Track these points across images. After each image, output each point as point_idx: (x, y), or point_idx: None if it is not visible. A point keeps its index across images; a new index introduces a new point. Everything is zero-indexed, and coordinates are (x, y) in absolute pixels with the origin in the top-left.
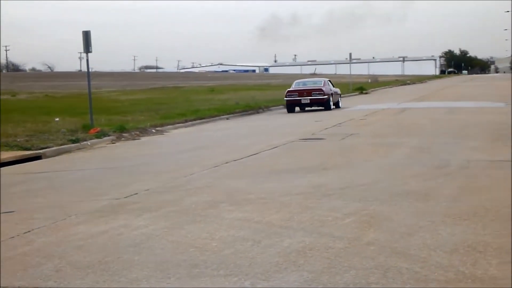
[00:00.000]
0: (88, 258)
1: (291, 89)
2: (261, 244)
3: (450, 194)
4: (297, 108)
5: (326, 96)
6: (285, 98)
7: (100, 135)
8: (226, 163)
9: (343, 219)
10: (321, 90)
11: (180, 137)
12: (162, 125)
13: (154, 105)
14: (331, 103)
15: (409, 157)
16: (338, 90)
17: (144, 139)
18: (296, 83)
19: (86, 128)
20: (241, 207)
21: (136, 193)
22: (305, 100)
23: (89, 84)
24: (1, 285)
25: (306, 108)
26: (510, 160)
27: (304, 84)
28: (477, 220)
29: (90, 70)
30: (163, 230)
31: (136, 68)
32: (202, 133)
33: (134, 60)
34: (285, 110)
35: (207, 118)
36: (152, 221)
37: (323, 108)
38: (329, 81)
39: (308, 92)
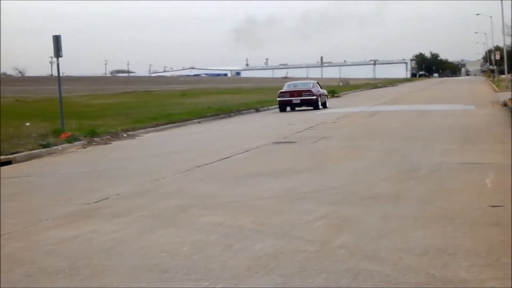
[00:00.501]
0: (59, 263)
1: (283, 90)
2: (232, 248)
3: (421, 197)
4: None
5: (315, 97)
6: (277, 99)
7: (71, 139)
8: (198, 167)
9: (314, 222)
10: (310, 91)
11: (152, 141)
12: (133, 130)
13: (126, 110)
14: (319, 103)
15: (380, 160)
16: (325, 92)
17: (115, 143)
18: (287, 85)
19: (57, 132)
20: (212, 211)
21: (107, 198)
22: (296, 100)
23: (59, 89)
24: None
25: (296, 108)
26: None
27: (295, 85)
28: (447, 223)
29: (60, 75)
30: (134, 235)
31: (107, 72)
32: (173, 137)
33: (106, 64)
34: (256, 112)
35: (179, 122)
36: (123, 226)
37: (312, 108)
38: (317, 83)
39: (299, 93)
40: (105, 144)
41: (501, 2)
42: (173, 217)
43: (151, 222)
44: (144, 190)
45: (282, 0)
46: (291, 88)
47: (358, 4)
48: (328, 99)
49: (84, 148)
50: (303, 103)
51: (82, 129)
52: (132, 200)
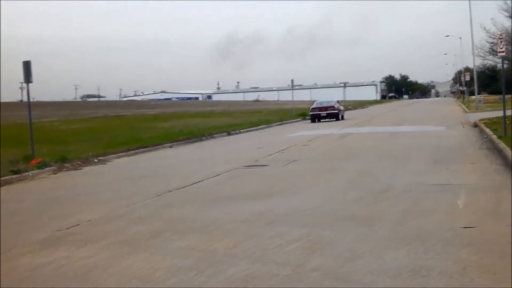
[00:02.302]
0: None
1: (313, 107)
2: (205, 273)
3: (393, 218)
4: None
5: (337, 111)
6: (310, 113)
7: (42, 165)
8: (169, 191)
9: (287, 245)
10: (333, 107)
11: (123, 166)
12: (104, 155)
13: (96, 134)
14: (340, 116)
15: (352, 182)
16: (342, 108)
17: (86, 169)
18: (316, 103)
19: (27, 158)
20: (185, 236)
21: (78, 224)
22: (323, 113)
23: (29, 114)
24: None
25: (321, 120)
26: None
27: (321, 103)
28: (419, 244)
29: (31, 100)
30: (106, 261)
31: (78, 97)
32: (145, 161)
33: (76, 89)
34: (228, 136)
35: (150, 147)
36: (95, 252)
37: (334, 119)
38: (337, 101)
39: (325, 109)
40: (76, 169)
41: (471, 24)
42: (146, 243)
43: (123, 248)
44: (116, 216)
45: (251, 27)
46: (319, 105)
47: (328, 28)
48: (299, 122)
49: (55, 174)
50: (328, 116)
51: (53, 154)
52: (104, 226)
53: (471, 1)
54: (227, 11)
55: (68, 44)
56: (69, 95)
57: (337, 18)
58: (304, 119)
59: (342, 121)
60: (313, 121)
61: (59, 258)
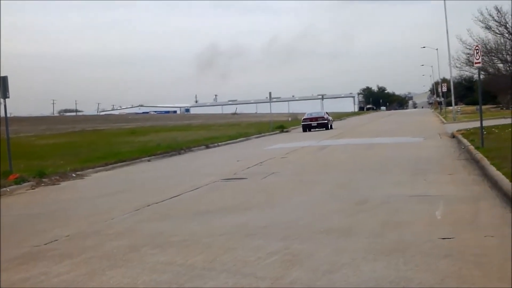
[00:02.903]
0: None
1: (305, 117)
2: (184, 287)
3: (372, 230)
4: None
5: (326, 121)
6: (302, 123)
7: (19, 181)
8: (148, 206)
9: (266, 258)
10: (323, 117)
11: (101, 181)
12: (82, 169)
13: (74, 149)
14: (329, 125)
15: (330, 194)
16: (331, 118)
17: (64, 184)
18: (307, 114)
19: (5, 174)
20: (164, 250)
21: (56, 240)
22: (314, 123)
23: (7, 130)
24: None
25: (312, 130)
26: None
27: (311, 114)
28: (398, 255)
29: (8, 116)
30: (84, 276)
31: (55, 112)
32: (123, 176)
33: (53, 104)
34: (206, 149)
35: (128, 161)
36: (73, 268)
37: (324, 128)
38: (326, 112)
39: (316, 119)
40: (54, 184)
41: (447, 35)
42: (124, 257)
43: (101, 263)
44: (94, 231)
45: (230, 41)
46: (310, 116)
47: (307, 41)
48: (277, 134)
49: (33, 189)
50: (318, 125)
51: (31, 170)
52: (82, 241)
53: (448, 12)
54: (206, 24)
55: (45, 59)
56: (46, 110)
57: (317, 31)
58: (282, 131)
59: (324, 132)
60: (304, 130)
61: (38, 273)
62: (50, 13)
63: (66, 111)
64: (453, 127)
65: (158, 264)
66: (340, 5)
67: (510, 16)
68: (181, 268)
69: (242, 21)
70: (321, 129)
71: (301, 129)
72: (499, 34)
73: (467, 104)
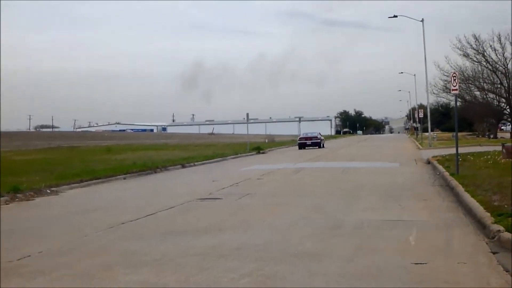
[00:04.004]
0: None
1: (301, 137)
2: None
3: (345, 254)
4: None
5: (319, 140)
6: (298, 142)
7: None
8: (122, 223)
9: (239, 279)
10: (316, 137)
11: (76, 198)
12: (57, 186)
13: (50, 165)
14: (322, 144)
15: (304, 217)
16: (323, 138)
17: (38, 200)
18: (302, 133)
19: None
20: (137, 269)
21: (29, 256)
22: (309, 142)
23: None
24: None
25: (306, 148)
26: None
27: (307, 134)
28: (371, 280)
29: None
30: None
31: (31, 127)
32: (97, 193)
33: (30, 119)
34: (182, 168)
35: (103, 178)
36: (46, 285)
37: (317, 147)
38: (319, 133)
39: (310, 138)
40: (29, 200)
41: (425, 61)
42: (97, 276)
43: (74, 281)
44: (68, 248)
45: (209, 61)
46: (305, 136)
47: (284, 64)
48: (254, 156)
49: (6, 204)
50: (312, 144)
51: (5, 185)
52: (55, 258)
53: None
54: (187, 45)
55: (21, 75)
56: (23, 125)
57: (297, 55)
58: (259, 152)
59: (307, 152)
60: (300, 148)
61: None
62: (25, 29)
63: (42, 126)
64: (429, 153)
65: (131, 283)
66: (321, 31)
67: (488, 45)
68: (153, 287)
69: (223, 43)
70: (315, 147)
71: (278, 150)
72: (476, 62)
73: (443, 130)
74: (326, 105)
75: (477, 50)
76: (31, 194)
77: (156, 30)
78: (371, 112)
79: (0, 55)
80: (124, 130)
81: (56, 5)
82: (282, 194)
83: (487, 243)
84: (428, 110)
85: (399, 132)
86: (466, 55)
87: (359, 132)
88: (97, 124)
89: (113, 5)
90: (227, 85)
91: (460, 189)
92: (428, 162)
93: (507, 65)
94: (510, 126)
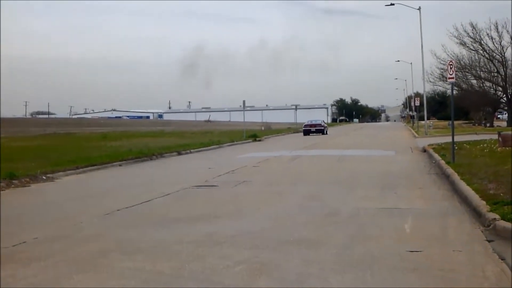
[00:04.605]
0: None
1: (306, 124)
2: None
3: (340, 242)
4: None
5: (323, 127)
6: (303, 128)
7: None
8: (117, 210)
9: (234, 267)
10: (320, 124)
11: (71, 184)
12: (53, 172)
13: (46, 152)
14: (325, 131)
15: (300, 205)
16: (326, 125)
17: (34, 186)
18: (307, 121)
19: None
20: (132, 256)
21: (25, 242)
22: (313, 129)
23: None
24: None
25: (311, 134)
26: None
27: (311, 122)
28: (366, 268)
29: None
30: (52, 280)
31: (27, 114)
32: (93, 180)
33: (26, 105)
34: (179, 156)
35: (99, 165)
36: (41, 271)
37: (321, 133)
38: (323, 120)
39: (314, 126)
40: (24, 186)
41: (422, 49)
42: (92, 262)
43: (69, 267)
44: (63, 234)
45: (207, 49)
46: (310, 123)
47: (280, 52)
48: (250, 143)
49: (2, 191)
50: (316, 131)
51: (1, 171)
52: (50, 245)
53: (423, 27)
54: (184, 32)
55: (17, 61)
56: (19, 112)
57: (294, 43)
58: (255, 140)
59: (307, 139)
60: (305, 134)
61: (5, 276)
62: (23, 15)
63: (38, 113)
64: (425, 141)
65: (126, 270)
66: (319, 19)
67: (485, 33)
68: (149, 274)
69: (220, 30)
70: (319, 133)
71: (274, 138)
72: (473, 50)
73: (440, 119)
74: (323, 93)
75: (474, 39)
76: (26, 181)
77: (153, 16)
78: (368, 100)
79: None
80: (120, 117)
81: None
82: (278, 182)
83: (482, 231)
84: (425, 98)
85: (395, 120)
86: (463, 44)
87: (355, 120)
88: (93, 111)
89: None
90: (224, 73)
91: (456, 177)
92: (424, 151)
93: (504, 53)
94: (506, 115)
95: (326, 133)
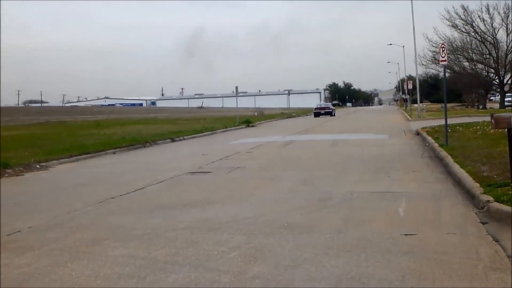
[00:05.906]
0: None
1: (316, 107)
2: (146, 281)
3: (334, 226)
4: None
5: (331, 110)
6: (314, 111)
7: None
8: (111, 198)
9: (229, 253)
10: (329, 107)
11: (65, 173)
12: (46, 161)
13: (39, 140)
14: (333, 113)
15: (294, 190)
16: (334, 108)
17: (28, 175)
18: (317, 104)
19: None
20: (126, 243)
21: (19, 231)
22: (322, 111)
23: None
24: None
25: (321, 116)
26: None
27: (321, 105)
28: (360, 251)
29: None
30: (46, 269)
31: (20, 103)
32: (87, 168)
33: (18, 94)
34: (172, 142)
35: (93, 153)
36: (35, 259)
37: (329, 115)
38: (331, 104)
39: (323, 108)
40: (18, 175)
41: (413, 32)
42: (86, 250)
43: (63, 255)
44: (57, 223)
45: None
46: (319, 106)
47: (270, 36)
48: (243, 129)
49: None
50: (326, 113)
51: None
52: (44, 233)
53: (415, 10)
54: (178, 19)
55: (10, 50)
56: (11, 101)
57: (286, 27)
58: (248, 126)
59: (290, 127)
60: (315, 116)
61: None
62: (15, 3)
63: (31, 101)
64: (418, 124)
65: (120, 257)
66: (311, 4)
67: (476, 15)
68: (143, 261)
69: (212, 16)
70: (327, 115)
71: (267, 123)
72: (465, 32)
73: (432, 102)
74: (315, 78)
75: (466, 21)
76: (20, 170)
77: (145, 2)
78: (360, 84)
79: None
80: (113, 105)
81: None
82: (271, 167)
83: (476, 214)
84: (417, 81)
85: (388, 104)
86: (454, 26)
87: (349, 104)
88: (86, 99)
89: None
90: (216, 59)
91: (449, 160)
92: (417, 134)
93: (496, 35)
94: (499, 97)
95: (334, 115)
